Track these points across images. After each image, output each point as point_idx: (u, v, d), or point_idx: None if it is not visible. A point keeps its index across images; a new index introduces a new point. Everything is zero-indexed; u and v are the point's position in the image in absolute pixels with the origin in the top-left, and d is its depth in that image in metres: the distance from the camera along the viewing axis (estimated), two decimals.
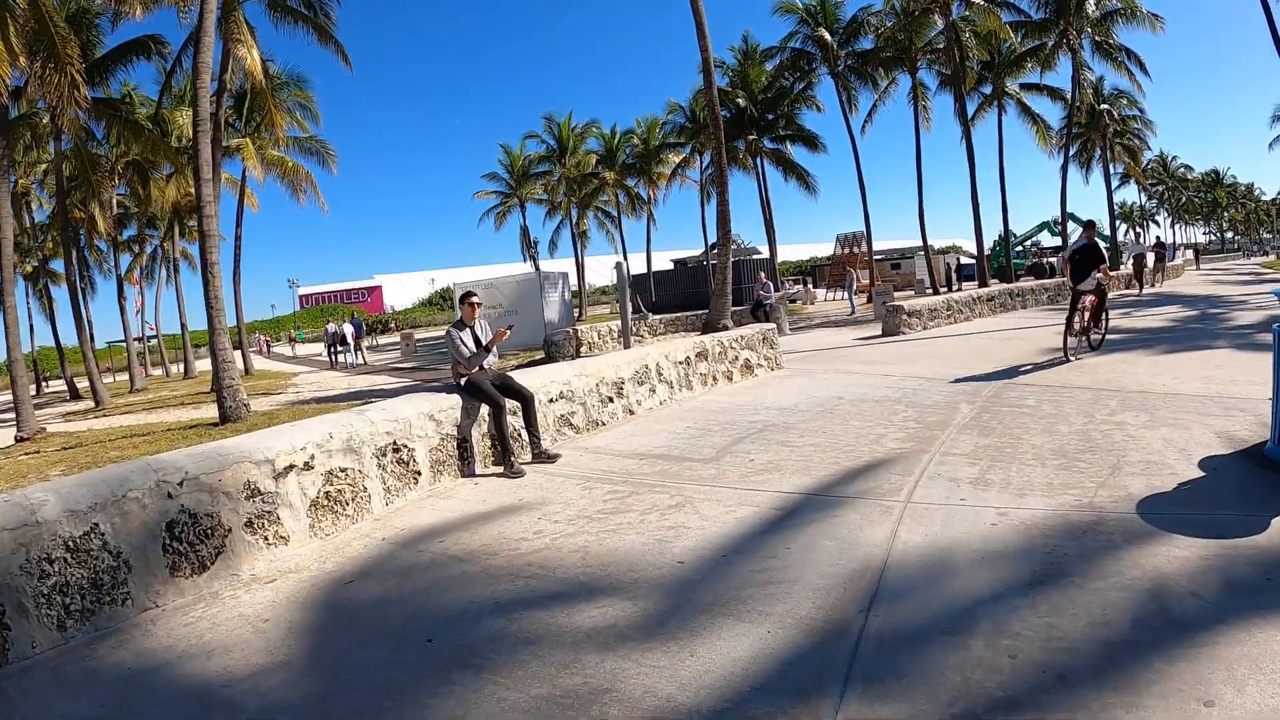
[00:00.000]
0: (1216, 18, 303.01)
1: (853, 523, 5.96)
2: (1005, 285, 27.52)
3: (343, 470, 7.09)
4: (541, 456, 8.86)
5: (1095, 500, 6.06)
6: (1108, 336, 15.59)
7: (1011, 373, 12.91)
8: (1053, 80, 46.58)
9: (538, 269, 69.91)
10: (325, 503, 6.86)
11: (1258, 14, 29.27)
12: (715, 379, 13.34)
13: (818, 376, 13.95)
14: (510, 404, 8.96)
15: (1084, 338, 14.60)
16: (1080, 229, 58.02)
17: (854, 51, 44.58)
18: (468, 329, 9.04)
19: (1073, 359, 13.64)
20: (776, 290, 43.42)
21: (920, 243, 45.25)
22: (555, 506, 7.08)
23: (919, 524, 5.83)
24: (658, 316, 28.74)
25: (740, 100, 46.45)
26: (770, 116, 47.54)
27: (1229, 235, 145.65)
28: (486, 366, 9.03)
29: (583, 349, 24.51)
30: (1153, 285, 37.44)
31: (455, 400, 8.62)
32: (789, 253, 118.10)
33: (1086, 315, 14.39)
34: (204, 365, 58.32)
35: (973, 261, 70.62)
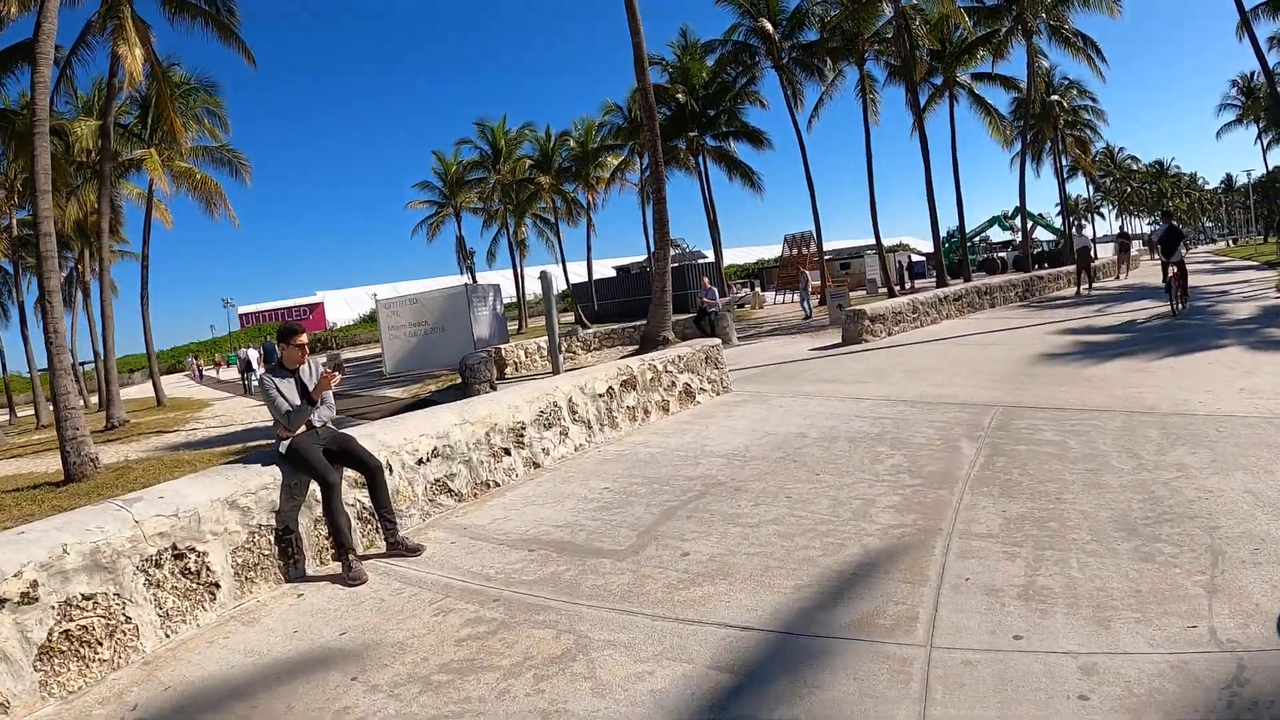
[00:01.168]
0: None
1: (849, 706, 3.50)
2: (971, 283, 25.40)
3: (87, 598, 4.66)
4: (398, 547, 6.35)
5: (1217, 626, 3.82)
6: (1103, 339, 14.68)
7: (1009, 390, 10.72)
8: (1005, 70, 44.99)
9: (474, 281, 67.47)
10: (65, 647, 4.50)
11: None
12: (647, 411, 10.85)
13: (773, 402, 11.53)
14: (355, 474, 6.48)
15: (1181, 296, 18.63)
16: (1029, 223, 56.35)
17: (799, 44, 42.55)
18: (290, 376, 6.50)
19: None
20: (722, 295, 41.58)
21: (869, 241, 43.36)
22: (385, 653, 4.57)
23: (960, 704, 3.43)
24: (594, 329, 26.21)
25: (680, 96, 44.01)
26: (712, 113, 45.15)
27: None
28: (318, 424, 6.50)
29: (509, 369, 21.98)
30: (1119, 278, 35.92)
31: (273, 475, 6.07)
32: (736, 256, 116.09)
33: (1174, 274, 18.63)
34: (133, 392, 56.37)
35: (923, 259, 69.54)
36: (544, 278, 20.62)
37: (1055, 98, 55.93)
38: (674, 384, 11.53)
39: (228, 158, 38.25)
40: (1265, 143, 79.69)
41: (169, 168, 35.63)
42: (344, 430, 6.97)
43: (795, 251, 56.96)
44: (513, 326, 69.37)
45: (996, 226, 69.33)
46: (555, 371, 20.06)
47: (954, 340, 17.25)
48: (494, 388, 17.62)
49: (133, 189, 39.78)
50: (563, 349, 23.46)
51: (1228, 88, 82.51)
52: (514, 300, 65.81)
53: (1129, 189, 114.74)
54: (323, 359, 6.95)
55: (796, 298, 53.09)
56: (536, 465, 8.73)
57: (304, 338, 6.70)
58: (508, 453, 8.44)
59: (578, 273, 67.70)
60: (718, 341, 13.10)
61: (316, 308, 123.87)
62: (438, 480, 7.59)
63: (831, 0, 40.47)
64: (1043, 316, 20.72)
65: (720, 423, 10.35)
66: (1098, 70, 40.15)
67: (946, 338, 17.82)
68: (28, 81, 20.85)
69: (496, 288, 35.30)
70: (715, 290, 23.36)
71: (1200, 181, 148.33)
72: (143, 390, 60.67)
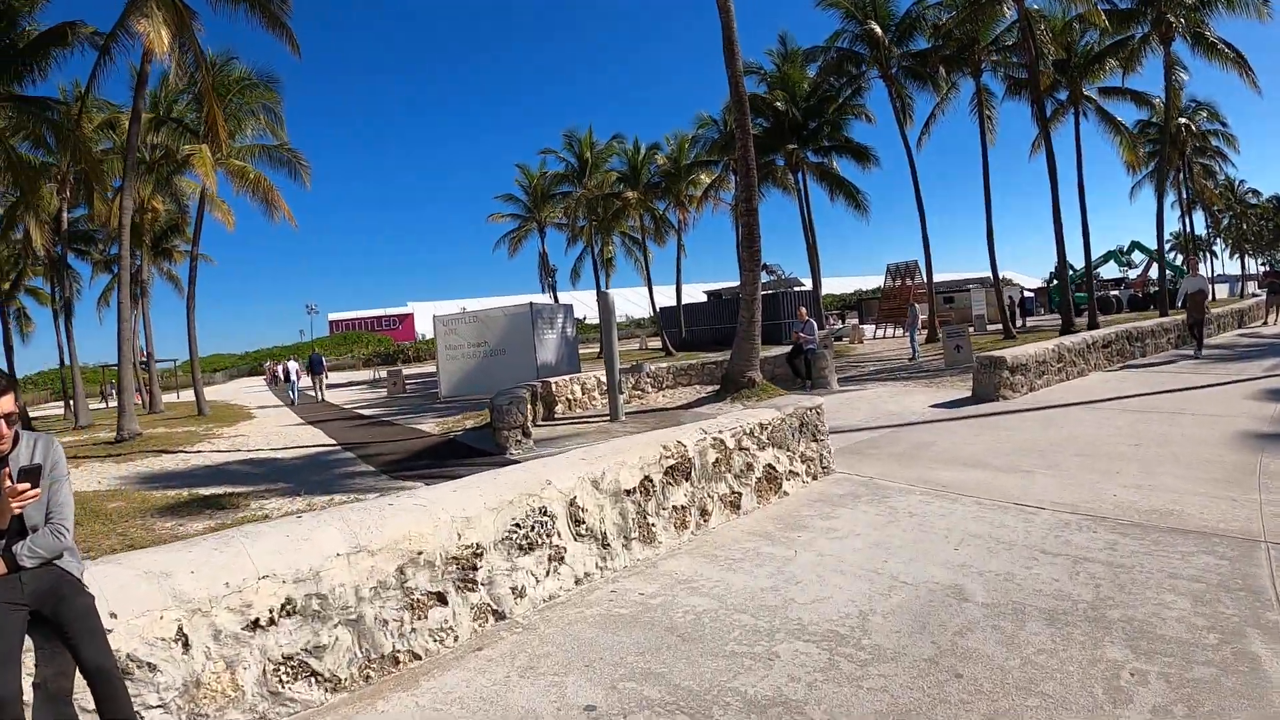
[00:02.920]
0: None
1: None
2: (1119, 326, 20.91)
3: None
4: None
5: None
6: None
7: (1250, 499, 6.94)
8: (1133, 84, 39.89)
9: (555, 300, 64.29)
10: None
11: None
12: (705, 513, 7.13)
13: (896, 502, 7.70)
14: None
15: None
16: (1145, 259, 51.47)
17: (909, 52, 38.29)
18: None
19: None
20: (820, 328, 37.04)
21: (972, 275, 38.69)
22: None
23: None
24: (666, 364, 22.33)
25: (779, 104, 40.07)
26: (813, 125, 41.10)
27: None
28: (28, 562, 3.08)
29: (559, 407, 18.37)
30: (1269, 322, 31.26)
31: None
32: (832, 285, 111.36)
33: None
34: (181, 397, 53.94)
35: (1032, 295, 64.60)
36: (603, 299, 17.14)
37: (1182, 121, 50.76)
38: (750, 466, 7.80)
39: (286, 157, 35.64)
40: None
41: (223, 167, 32.98)
42: (83, 573, 3.52)
43: (899, 282, 52.62)
44: (593, 351, 66.03)
45: (1112, 261, 64.08)
46: (613, 417, 16.48)
47: (1121, 404, 13.22)
48: (528, 435, 14.01)
49: (192, 185, 37.27)
50: (630, 385, 19.89)
51: None
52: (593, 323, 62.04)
53: (1244, 226, 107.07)
54: (35, 449, 3.30)
55: (900, 333, 49.02)
56: (499, 615, 5.15)
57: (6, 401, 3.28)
58: (442, 599, 4.84)
59: (665, 297, 64.18)
60: (819, 403, 9.21)
61: (406, 319, 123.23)
62: (290, 658, 4.06)
63: (945, 3, 36.31)
64: (1216, 371, 16.66)
65: (818, 543, 6.55)
66: (1252, 80, 34.47)
67: (1109, 399, 13.78)
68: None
69: (568, 309, 31.77)
70: (813, 323, 19.52)
71: None
72: (213, 393, 59.09)
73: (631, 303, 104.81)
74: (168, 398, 50.71)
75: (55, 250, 36.35)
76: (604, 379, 18.51)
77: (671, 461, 6.88)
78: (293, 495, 11.75)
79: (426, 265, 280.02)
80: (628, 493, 6.34)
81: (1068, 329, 30.55)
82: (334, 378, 66.64)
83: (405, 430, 19.73)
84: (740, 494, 7.53)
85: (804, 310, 20.51)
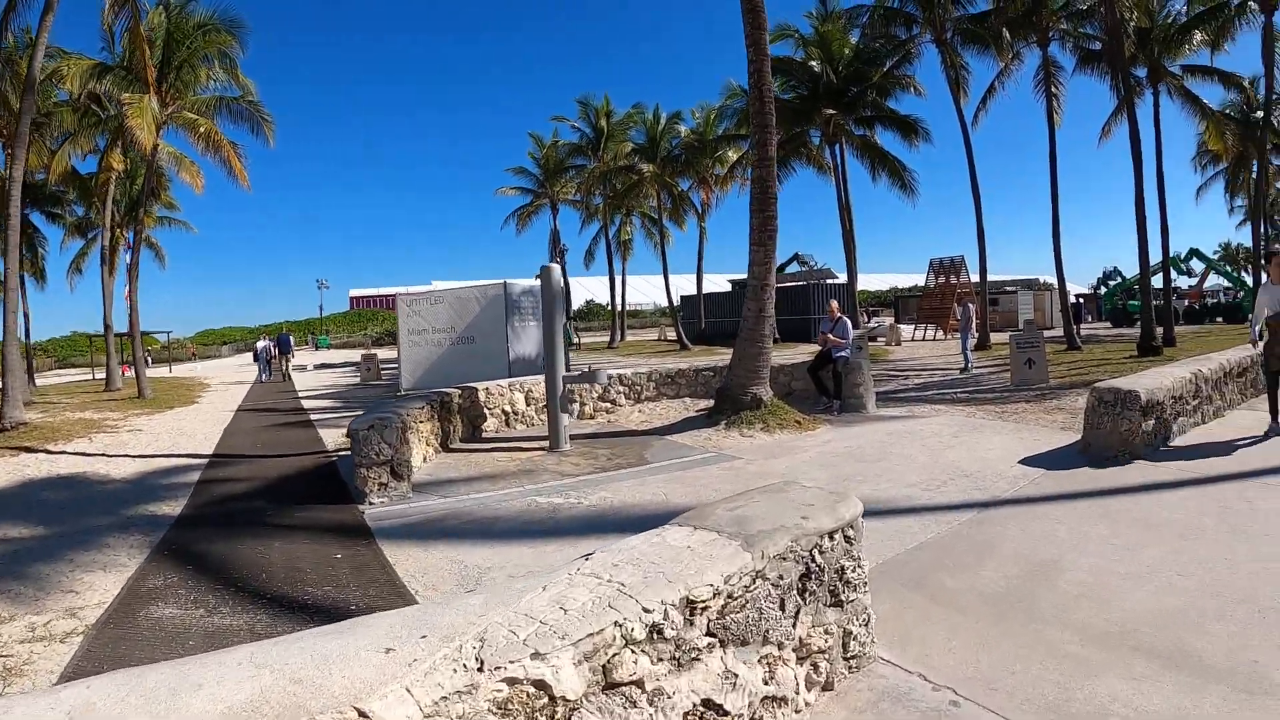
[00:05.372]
0: None
1: None
2: (1237, 351, 15.54)
3: None
4: None
5: None
6: None
7: None
8: (1222, 62, 34.34)
9: (566, 281, 59.37)
10: None
11: None
12: None
13: None
14: None
15: None
16: (1204, 269, 46.09)
17: (968, 15, 32.98)
18: None
19: None
20: (856, 328, 31.66)
21: (1019, 276, 33.37)
22: None
23: None
24: (647, 369, 16.76)
25: (814, 65, 34.90)
26: (854, 91, 35.54)
27: None
28: None
29: (489, 425, 13.53)
30: None
31: None
32: (867, 282, 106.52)
33: None
34: (174, 371, 50.18)
35: (1081, 301, 59.74)
36: (545, 275, 12.39)
37: (1258, 114, 45.11)
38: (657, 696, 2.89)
39: (248, 112, 30.84)
40: None
41: (178, 121, 28.47)
42: None
43: (943, 279, 47.49)
44: (601, 339, 60.83)
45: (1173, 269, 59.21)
46: (552, 444, 11.68)
47: None
48: (401, 476, 9.18)
49: (166, 148, 32.49)
50: (594, 396, 15.01)
51: None
52: (616, 310, 57.19)
53: None
54: None
55: (938, 333, 43.94)
56: None
57: None
58: None
59: (685, 285, 59.26)
60: (852, 516, 4.09)
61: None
62: None
63: None
64: None
65: None
66: None
67: None
68: None
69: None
70: (846, 322, 14.52)
71: None
72: (201, 368, 57.38)
73: (641, 292, 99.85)
74: (156, 372, 46.63)
75: None
76: (557, 389, 13.72)
77: None
78: None
79: (451, 243, 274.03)
80: None
81: (1148, 345, 25.32)
82: (331, 357, 63.66)
83: (307, 438, 15.23)
84: None
85: (835, 305, 15.32)
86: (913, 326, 49.82)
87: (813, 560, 3.75)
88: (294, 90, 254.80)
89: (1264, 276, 11.74)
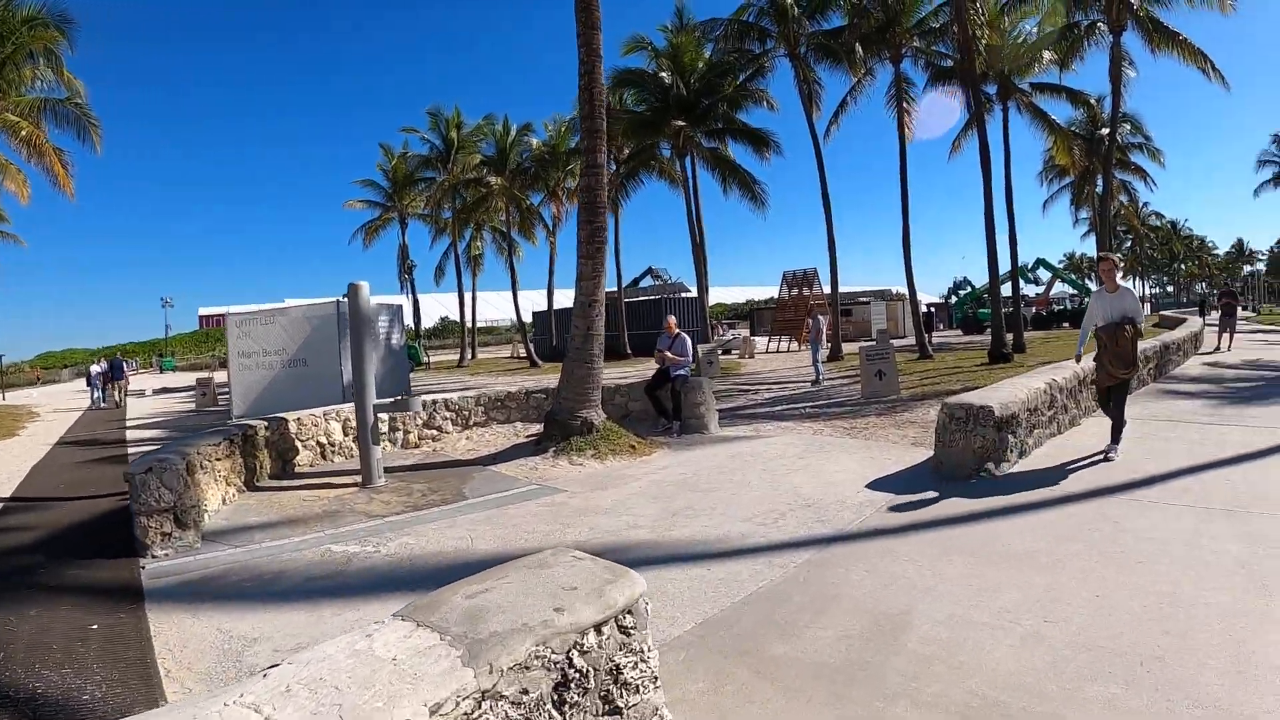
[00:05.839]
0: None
1: None
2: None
3: None
4: None
5: None
6: None
7: None
8: (1069, 82, 35.72)
9: (414, 300, 57.73)
10: None
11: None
12: None
13: None
14: None
15: None
16: (1050, 277, 48.12)
17: (822, 30, 33.15)
18: None
19: None
20: (703, 342, 32.23)
21: (869, 287, 33.70)
22: None
23: None
24: (475, 392, 15.40)
25: (664, 76, 34.62)
26: (706, 103, 35.38)
27: (1168, 289, 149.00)
28: None
29: (301, 459, 12.30)
30: (1222, 348, 26.99)
31: None
32: (723, 295, 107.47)
33: None
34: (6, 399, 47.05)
35: (933, 310, 61.31)
36: (353, 293, 11.27)
37: (1103, 131, 46.89)
38: None
39: (75, 115, 28.89)
40: None
41: None
42: None
43: (796, 291, 47.67)
44: (453, 357, 59.10)
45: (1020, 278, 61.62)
46: (365, 479, 10.60)
47: (1183, 490, 7.89)
48: (187, 525, 7.96)
49: None
50: (419, 423, 13.88)
51: (1268, 142, 76.39)
52: (467, 327, 55.73)
53: (1143, 248, 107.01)
54: None
55: (792, 344, 43.95)
56: None
57: None
58: None
59: (538, 301, 58.30)
60: (629, 600, 3.23)
61: None
62: None
63: None
64: (1252, 417, 12.19)
65: None
66: (1219, 76, 29.84)
67: (1155, 477, 8.42)
68: None
69: (395, 310, 25.37)
70: (685, 338, 13.74)
71: (1209, 244, 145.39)
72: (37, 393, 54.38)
73: (496, 308, 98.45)
74: None
75: None
76: (391, 414, 12.61)
77: None
78: None
79: (306, 258, 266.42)
80: None
81: (999, 352, 25.53)
82: (175, 380, 59.73)
83: (118, 476, 13.58)
84: None
85: (673, 320, 14.40)
86: (767, 339, 49.94)
87: (571, 664, 2.83)
88: (132, 94, 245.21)
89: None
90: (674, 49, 35.36)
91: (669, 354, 13.56)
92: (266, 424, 11.70)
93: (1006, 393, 9.68)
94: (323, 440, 12.65)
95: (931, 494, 8.19)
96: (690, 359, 13.73)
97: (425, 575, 6.37)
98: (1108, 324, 9.62)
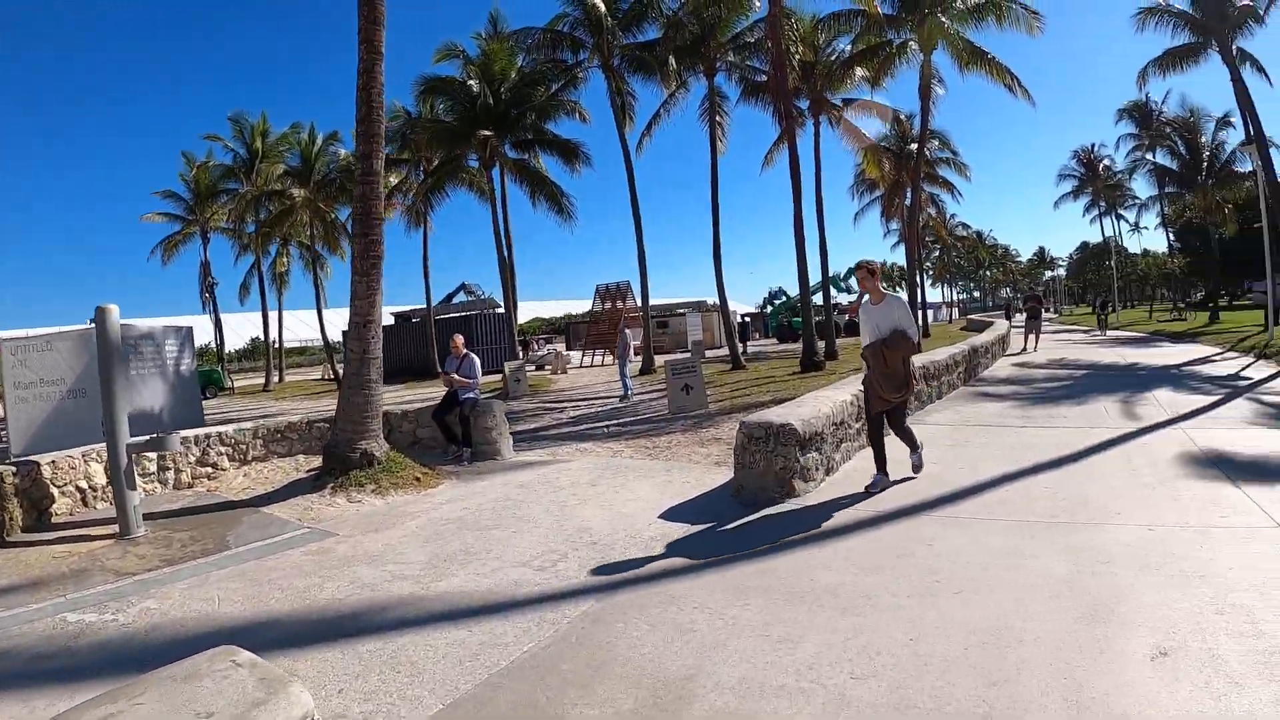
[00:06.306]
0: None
1: None
2: (919, 364, 15.87)
3: None
4: None
5: None
6: None
7: None
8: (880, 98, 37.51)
9: (217, 319, 55.04)
10: None
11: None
12: None
13: None
14: None
15: None
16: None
17: (637, 42, 33.26)
18: None
19: None
20: (511, 359, 31.64)
21: (685, 299, 34.14)
22: None
23: None
24: (252, 424, 14.38)
25: (473, 84, 33.89)
26: (515, 113, 34.88)
27: (975, 295, 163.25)
28: None
29: (59, 506, 11.34)
30: (1028, 349, 29.13)
31: None
32: (540, 309, 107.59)
33: None
34: None
35: (749, 320, 62.63)
36: (100, 318, 10.60)
37: (912, 146, 48.88)
38: None
39: None
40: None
41: None
42: None
43: (610, 305, 47.77)
44: (255, 382, 56.10)
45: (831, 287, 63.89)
46: (122, 531, 9.78)
47: (998, 502, 7.99)
48: None
49: None
50: (192, 459, 12.96)
51: (1068, 157, 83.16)
52: (272, 348, 53.39)
53: (947, 258, 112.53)
54: None
55: (606, 358, 43.80)
56: None
57: None
58: None
59: (342, 320, 56.49)
60: None
61: None
62: None
63: None
64: (1060, 418, 12.88)
65: None
66: (1024, 93, 31.16)
67: (967, 489, 8.47)
68: None
69: (184, 332, 23.78)
70: (474, 360, 13.24)
71: (1013, 251, 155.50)
72: None
73: (311, 326, 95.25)
74: None
75: None
76: (158, 452, 11.74)
77: None
78: None
79: (109, 277, 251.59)
80: None
81: (811, 360, 26.03)
82: None
83: None
84: None
85: (459, 340, 13.81)
86: (581, 353, 49.89)
87: None
88: None
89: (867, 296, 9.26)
90: (486, 57, 34.74)
91: (456, 376, 13.03)
92: (14, 469, 10.73)
93: (810, 408, 9.53)
94: (83, 485, 11.67)
95: (730, 522, 7.89)
96: (478, 380, 13.25)
97: (158, 651, 5.63)
98: (875, 340, 8.74)
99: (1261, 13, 33.77)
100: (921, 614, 5.22)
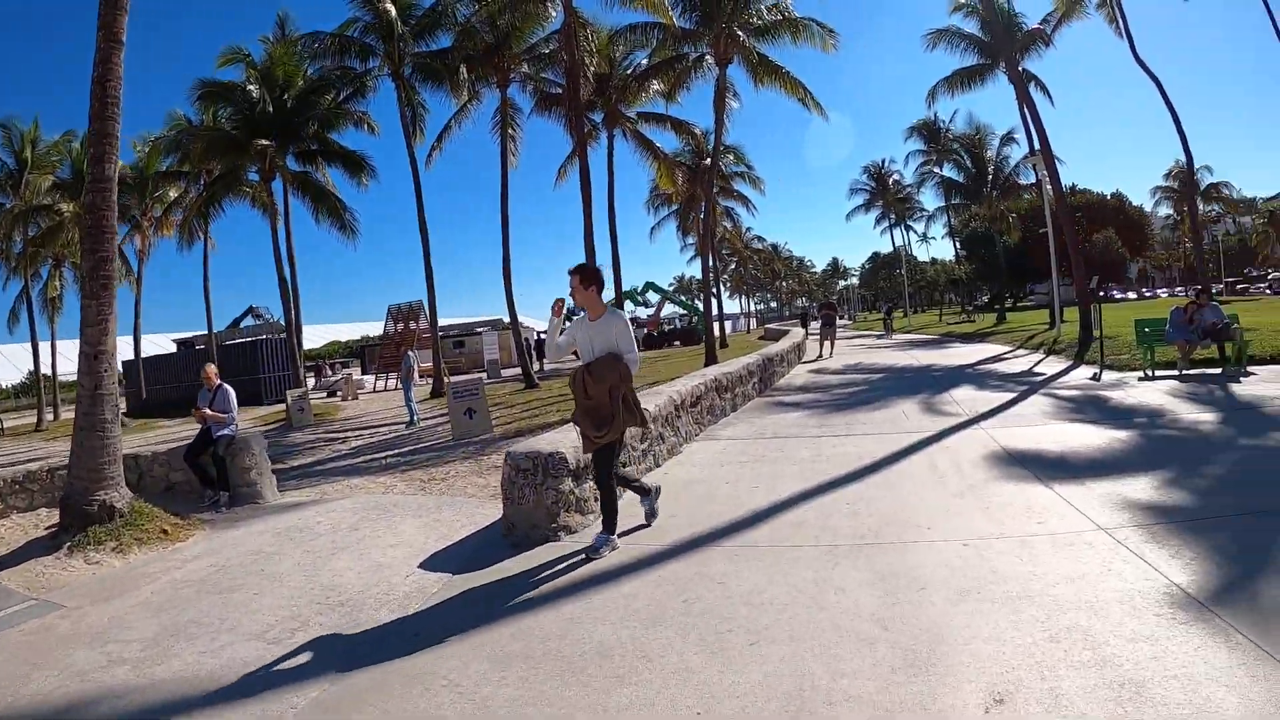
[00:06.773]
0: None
1: None
2: (706, 376, 15.14)
3: None
4: None
5: None
6: None
7: None
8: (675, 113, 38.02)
9: None
10: None
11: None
12: None
13: None
14: None
15: None
16: (659, 299, 52.70)
17: (429, 50, 32.23)
18: None
19: None
20: (294, 387, 30.07)
21: (483, 318, 33.43)
22: None
23: None
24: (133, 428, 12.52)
25: (252, 89, 31.95)
26: (298, 121, 32.99)
27: (773, 305, 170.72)
28: None
29: None
30: (824, 356, 29.51)
31: None
32: (336, 332, 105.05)
33: None
34: None
35: (543, 337, 62.86)
36: None
37: (707, 161, 49.59)
38: None
39: None
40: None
41: None
42: None
43: (402, 326, 46.55)
44: (29, 421, 50.86)
45: (630, 302, 64.72)
46: None
47: (805, 524, 7.34)
48: None
49: None
50: None
51: (859, 172, 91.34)
52: (44, 382, 48.49)
53: (744, 270, 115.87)
54: None
55: (397, 383, 42.56)
56: None
57: None
58: None
59: (123, 347, 52.46)
60: None
61: None
62: None
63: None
64: (862, 422, 12.97)
65: None
66: (817, 107, 31.40)
67: (763, 513, 7.83)
68: None
69: None
70: (229, 392, 11.78)
71: (809, 263, 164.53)
72: None
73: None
74: None
75: None
76: None
77: None
78: None
79: None
80: None
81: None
82: None
83: None
84: None
85: (212, 370, 12.23)
86: (374, 377, 48.42)
87: None
88: None
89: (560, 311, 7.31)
90: (272, 62, 32.87)
91: (208, 411, 11.47)
92: None
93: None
94: None
95: (498, 569, 6.90)
96: (234, 415, 11.83)
97: None
98: (589, 364, 7.11)
99: (1050, 33, 35.60)
100: (711, 676, 4.42)
